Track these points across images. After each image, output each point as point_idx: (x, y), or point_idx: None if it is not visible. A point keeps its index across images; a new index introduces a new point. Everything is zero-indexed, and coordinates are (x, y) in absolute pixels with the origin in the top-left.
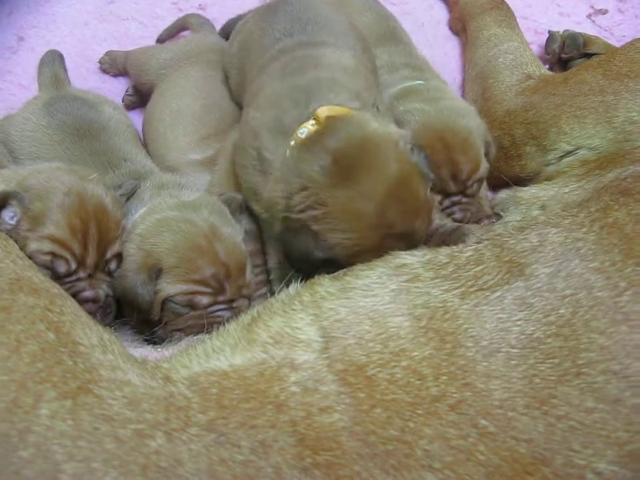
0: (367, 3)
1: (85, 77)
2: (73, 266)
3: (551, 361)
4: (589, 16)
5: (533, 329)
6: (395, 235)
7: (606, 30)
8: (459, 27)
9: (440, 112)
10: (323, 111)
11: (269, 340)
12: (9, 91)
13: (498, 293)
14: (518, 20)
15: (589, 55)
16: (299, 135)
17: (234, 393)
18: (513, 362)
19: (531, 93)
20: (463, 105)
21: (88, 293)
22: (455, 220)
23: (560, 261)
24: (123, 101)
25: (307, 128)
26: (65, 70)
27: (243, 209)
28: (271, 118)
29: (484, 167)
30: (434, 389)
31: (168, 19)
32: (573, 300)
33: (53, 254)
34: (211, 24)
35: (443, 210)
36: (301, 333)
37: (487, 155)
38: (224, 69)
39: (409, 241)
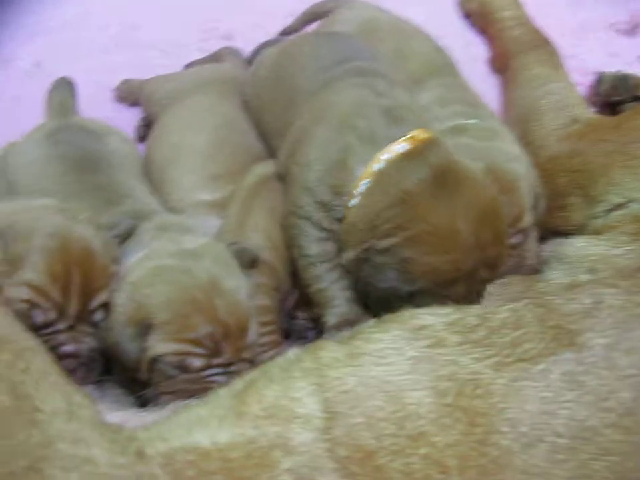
0: (425, 33)
1: (100, 106)
2: (52, 316)
3: (608, 458)
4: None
5: (585, 414)
6: (486, 262)
7: None
8: (500, 65)
9: (488, 150)
10: (421, 132)
11: (262, 413)
12: (22, 117)
13: (542, 366)
14: (564, 60)
15: None
16: (397, 149)
17: (214, 479)
18: (559, 456)
19: (578, 138)
20: (517, 150)
21: (68, 347)
22: None
23: (620, 330)
24: (136, 131)
25: (406, 143)
26: (74, 98)
27: (256, 263)
28: (361, 126)
29: (529, 217)
30: None
31: (191, 48)
32: (638, 382)
33: (31, 302)
34: (239, 54)
35: None
36: (300, 405)
37: (534, 208)
38: (245, 99)
39: (495, 271)
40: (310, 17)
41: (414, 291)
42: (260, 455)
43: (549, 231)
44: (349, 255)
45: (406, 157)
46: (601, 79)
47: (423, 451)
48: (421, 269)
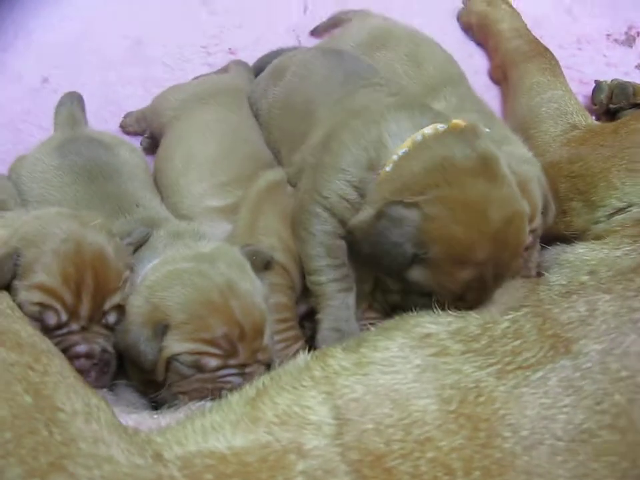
0: (435, 42)
1: (107, 120)
2: (64, 317)
3: (605, 458)
4: (638, 66)
5: (582, 417)
6: (499, 265)
7: None
8: (500, 75)
9: (503, 154)
10: (461, 120)
11: (275, 419)
12: (29, 132)
13: (540, 373)
14: (562, 70)
15: (639, 106)
16: (438, 127)
17: None
18: (558, 457)
19: (578, 144)
20: (529, 155)
21: (80, 348)
22: None
23: (613, 335)
24: (141, 144)
25: (446, 124)
26: (83, 111)
27: (270, 265)
28: (396, 114)
29: (539, 220)
30: None
31: (196, 62)
32: (631, 384)
33: (42, 304)
34: (246, 66)
35: None
36: (312, 413)
37: (544, 213)
38: (254, 108)
39: (503, 279)
40: (333, 22)
41: (420, 259)
42: (275, 459)
43: (552, 237)
44: (366, 213)
45: (449, 134)
46: (598, 87)
47: (429, 454)
48: (439, 232)
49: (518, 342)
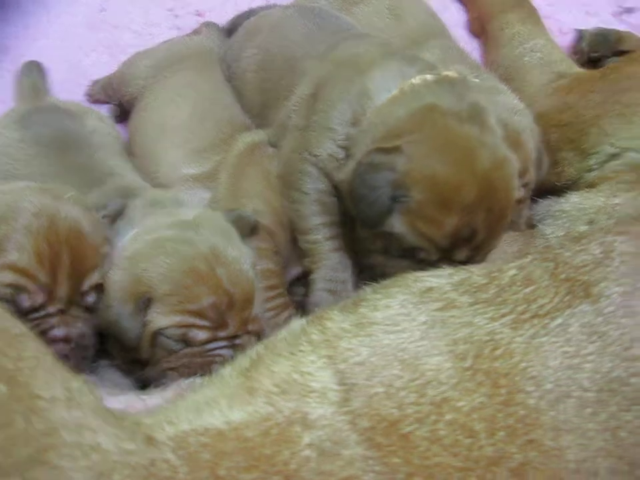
0: None
1: (73, 90)
2: (39, 299)
3: (638, 408)
4: (616, 15)
5: (610, 365)
6: (490, 213)
7: (636, 28)
8: (478, 28)
9: (494, 105)
10: (451, 72)
11: (274, 389)
12: None
13: (559, 320)
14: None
15: (621, 53)
16: (427, 76)
17: (232, 460)
18: (587, 410)
19: (565, 92)
20: (520, 105)
21: (58, 331)
22: None
23: (636, 276)
24: (109, 112)
25: (435, 75)
26: (45, 80)
27: (256, 229)
28: (382, 64)
29: (532, 173)
30: (489, 449)
31: (163, 26)
32: None
33: (14, 285)
34: (217, 27)
35: None
36: (313, 379)
37: (537, 166)
38: (228, 71)
39: (494, 235)
40: None
41: (401, 205)
42: (278, 432)
43: (542, 190)
44: (349, 166)
45: (438, 83)
46: (581, 36)
47: (448, 416)
48: (420, 173)
49: (529, 289)
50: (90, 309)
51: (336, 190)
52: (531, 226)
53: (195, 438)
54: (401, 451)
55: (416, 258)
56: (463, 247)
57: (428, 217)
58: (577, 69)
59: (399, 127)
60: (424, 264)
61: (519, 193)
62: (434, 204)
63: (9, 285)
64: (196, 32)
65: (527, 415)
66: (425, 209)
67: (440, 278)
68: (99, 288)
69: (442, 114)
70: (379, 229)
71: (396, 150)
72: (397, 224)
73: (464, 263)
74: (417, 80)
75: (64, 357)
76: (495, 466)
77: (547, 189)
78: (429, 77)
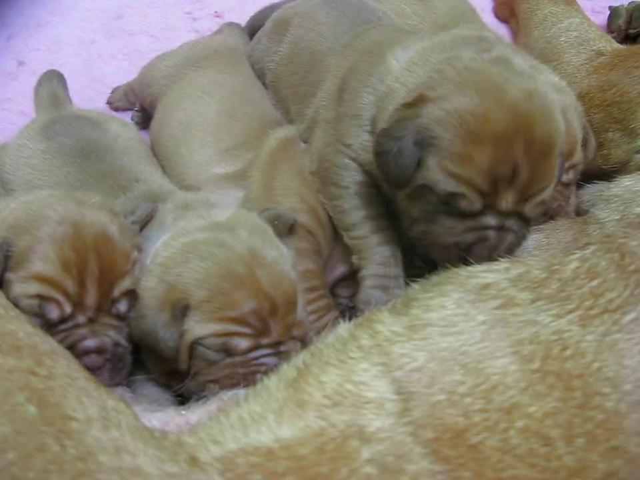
0: None
1: (92, 99)
2: (68, 309)
3: None
4: None
5: None
6: (527, 144)
7: None
8: (506, 12)
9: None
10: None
11: (325, 401)
12: (9, 119)
13: (632, 315)
14: None
15: None
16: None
17: None
18: None
19: (607, 70)
20: (562, 84)
21: (89, 342)
22: None
23: None
24: (132, 119)
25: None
26: (65, 89)
27: (293, 228)
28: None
29: (579, 154)
30: (569, 458)
31: (182, 29)
32: None
33: (41, 296)
34: (237, 26)
35: None
36: (368, 389)
37: (584, 146)
38: (257, 68)
39: (540, 199)
40: None
41: (428, 149)
42: (334, 448)
43: (588, 174)
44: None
45: (460, 39)
46: (615, 12)
47: (519, 423)
48: (444, 110)
49: (595, 282)
50: (122, 318)
51: (375, 181)
52: (581, 213)
53: (244, 458)
54: (471, 463)
55: (459, 211)
56: (507, 190)
57: (459, 155)
58: (617, 45)
59: (420, 83)
60: (469, 219)
61: (567, 175)
62: (462, 139)
63: (35, 296)
64: (218, 32)
65: (606, 419)
66: (454, 147)
67: (495, 273)
68: (131, 295)
69: (464, 60)
70: (411, 185)
71: (417, 101)
72: (429, 172)
73: (514, 215)
74: (436, 39)
75: (97, 370)
76: (577, 477)
77: (592, 173)
78: (448, 36)
